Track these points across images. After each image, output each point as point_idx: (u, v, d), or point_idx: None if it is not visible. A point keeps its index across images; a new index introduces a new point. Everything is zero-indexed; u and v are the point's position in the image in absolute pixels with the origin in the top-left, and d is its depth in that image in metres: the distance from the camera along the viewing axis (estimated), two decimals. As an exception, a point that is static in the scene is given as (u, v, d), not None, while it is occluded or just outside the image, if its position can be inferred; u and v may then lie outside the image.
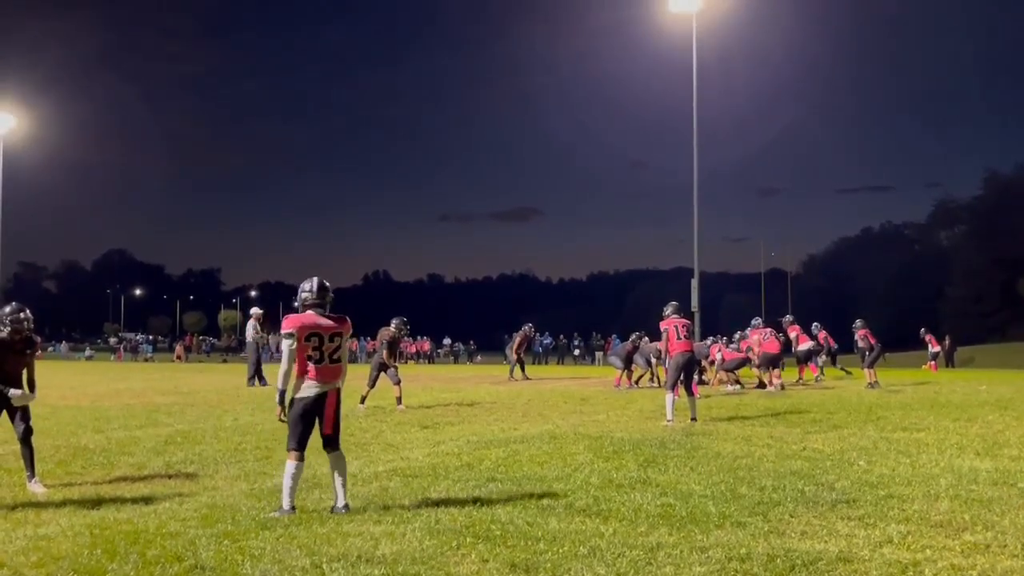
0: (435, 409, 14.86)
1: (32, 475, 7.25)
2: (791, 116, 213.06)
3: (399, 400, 14.67)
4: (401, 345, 16.68)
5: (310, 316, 6.26)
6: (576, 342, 57.99)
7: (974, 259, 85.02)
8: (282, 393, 6.20)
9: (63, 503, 6.61)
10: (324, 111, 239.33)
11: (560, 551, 5.03)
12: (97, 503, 6.59)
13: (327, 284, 6.46)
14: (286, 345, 6.15)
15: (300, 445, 6.18)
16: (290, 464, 6.13)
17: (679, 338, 12.60)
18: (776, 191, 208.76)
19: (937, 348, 35.44)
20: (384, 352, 14.87)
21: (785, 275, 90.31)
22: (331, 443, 6.29)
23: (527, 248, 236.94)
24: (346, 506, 6.21)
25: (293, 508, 6.11)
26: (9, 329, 7.20)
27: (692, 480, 7.45)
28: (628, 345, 21.89)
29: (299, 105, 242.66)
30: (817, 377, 23.42)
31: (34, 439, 7.37)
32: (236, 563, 4.80)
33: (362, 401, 14.55)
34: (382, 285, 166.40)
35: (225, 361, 55.15)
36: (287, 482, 6.13)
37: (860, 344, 21.36)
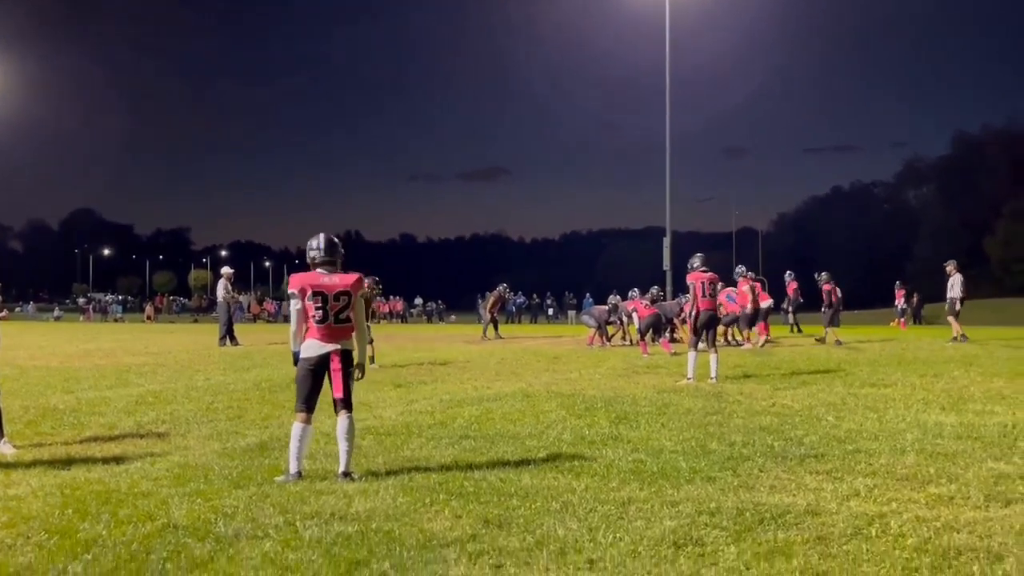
0: (408, 368, 14.88)
1: (1, 436, 7.19)
2: (758, 77, 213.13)
3: (371, 359, 14.67)
4: (374, 305, 16.65)
5: (314, 275, 6.05)
6: (549, 301, 58.13)
7: (942, 218, 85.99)
8: (295, 355, 6.01)
9: (33, 464, 6.57)
10: (293, 70, 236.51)
11: (533, 506, 5.08)
12: (68, 463, 6.56)
13: (336, 240, 6.22)
14: (291, 305, 6.01)
15: (305, 406, 5.94)
16: (295, 426, 5.91)
17: (704, 295, 12.27)
18: (744, 151, 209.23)
19: (904, 304, 35.86)
20: None
21: (756, 234, 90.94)
22: (340, 406, 5.98)
23: (498, 208, 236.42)
24: (347, 474, 5.92)
25: (300, 473, 5.86)
26: None
27: (663, 436, 7.52)
28: (604, 308, 21.83)
29: (267, 64, 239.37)
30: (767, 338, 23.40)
31: (2, 400, 7.30)
32: (209, 522, 4.80)
33: None
34: (354, 245, 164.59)
35: (196, 321, 54.85)
36: (292, 445, 5.90)
37: (824, 298, 21.36)
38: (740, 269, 21.41)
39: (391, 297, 56.61)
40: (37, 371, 14.35)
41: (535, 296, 57.06)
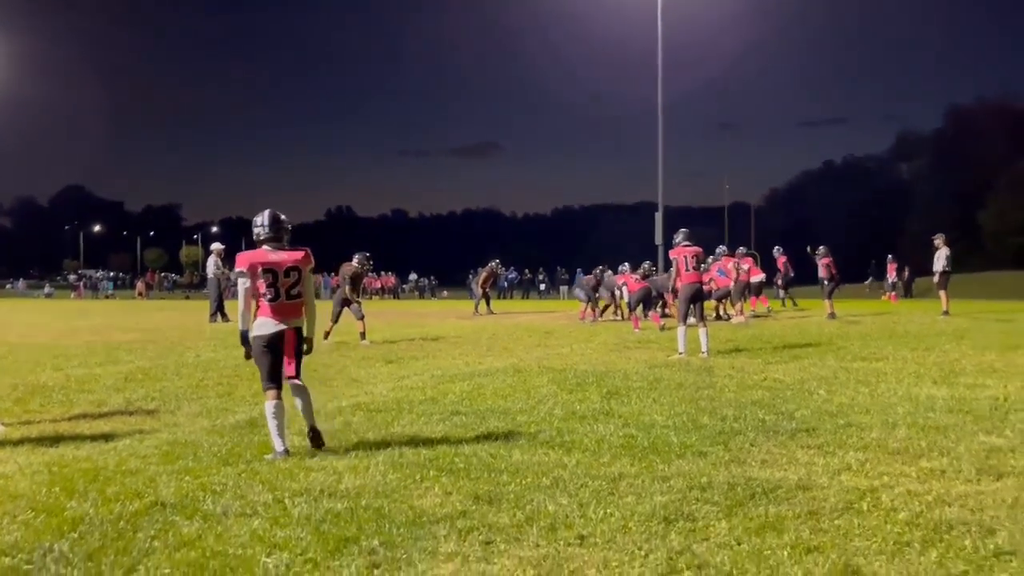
0: (400, 344, 14.85)
1: None
2: (751, 50, 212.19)
3: (363, 335, 14.64)
4: (366, 281, 16.62)
5: (261, 252, 5.99)
6: (541, 276, 58.08)
7: (935, 191, 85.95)
8: (243, 334, 5.94)
9: (21, 441, 6.52)
10: (283, 45, 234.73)
11: (523, 482, 5.05)
12: (55, 441, 6.51)
13: (281, 216, 6.16)
14: (240, 284, 5.93)
15: (271, 381, 5.89)
16: (267, 404, 5.86)
17: (688, 269, 12.26)
18: (736, 125, 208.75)
19: (895, 278, 35.95)
20: (347, 288, 14.78)
21: (748, 208, 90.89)
22: (290, 380, 6.00)
23: (490, 183, 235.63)
24: (313, 429, 6.02)
25: (287, 450, 5.82)
26: None
27: (654, 411, 7.51)
28: (591, 277, 21.92)
29: (257, 38, 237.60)
30: (768, 309, 23.52)
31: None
32: (197, 499, 4.76)
33: (326, 336, 14.48)
34: (345, 220, 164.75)
35: (187, 298, 54.73)
36: (270, 423, 5.86)
37: (821, 273, 21.44)
38: (721, 249, 21.61)
39: (383, 273, 56.52)
40: (26, 348, 14.28)
41: (527, 271, 57.00)
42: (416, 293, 59.98)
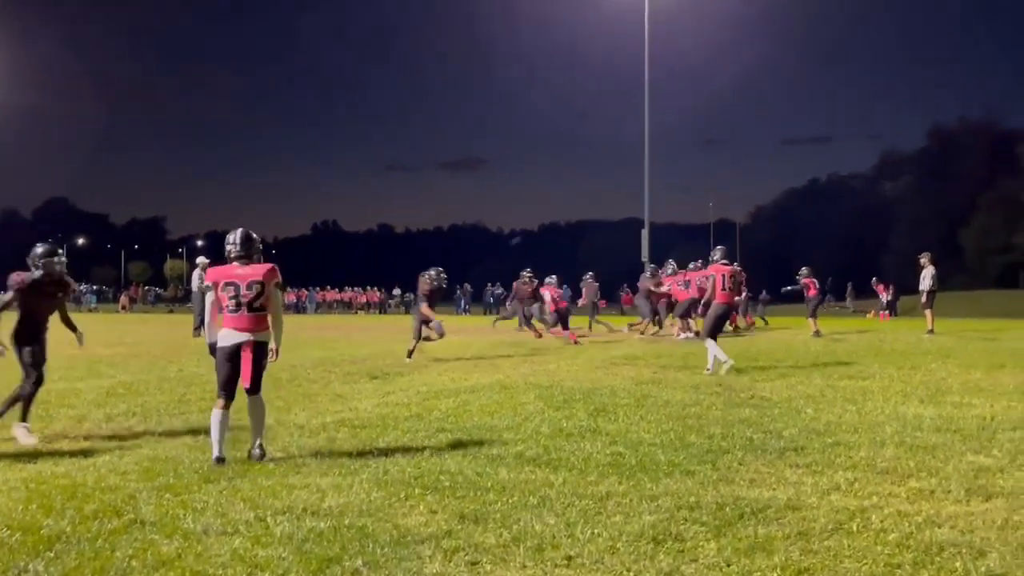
0: (385, 359, 14.75)
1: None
2: (735, 69, 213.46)
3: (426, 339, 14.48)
4: (350, 295, 16.52)
5: (229, 267, 6.27)
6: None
7: (918, 210, 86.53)
8: (210, 346, 6.26)
9: (-2, 457, 6.41)
10: (269, 58, 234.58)
11: (509, 501, 4.99)
12: (34, 457, 6.41)
13: (253, 235, 6.44)
14: (207, 297, 6.27)
15: (223, 391, 6.16)
16: (214, 412, 6.12)
17: (724, 288, 12.32)
18: (721, 142, 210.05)
19: (888, 297, 36.17)
20: (423, 305, 14.52)
21: (734, 225, 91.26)
22: (249, 392, 6.23)
23: (476, 198, 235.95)
24: (260, 447, 6.23)
25: (220, 459, 6.02)
26: (41, 272, 7.36)
27: (642, 429, 7.45)
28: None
29: (244, 52, 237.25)
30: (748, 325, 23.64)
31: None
32: (177, 517, 4.68)
33: (409, 355, 14.18)
34: (331, 235, 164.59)
35: (171, 311, 54.38)
36: (212, 429, 6.12)
37: (809, 292, 21.57)
38: (695, 265, 21.82)
39: (368, 288, 56.46)
40: (5, 362, 14.09)
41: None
42: (402, 308, 59.80)
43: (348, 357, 14.90)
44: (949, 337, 19.83)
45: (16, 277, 7.37)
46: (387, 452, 6.47)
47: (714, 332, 12.22)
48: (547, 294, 20.05)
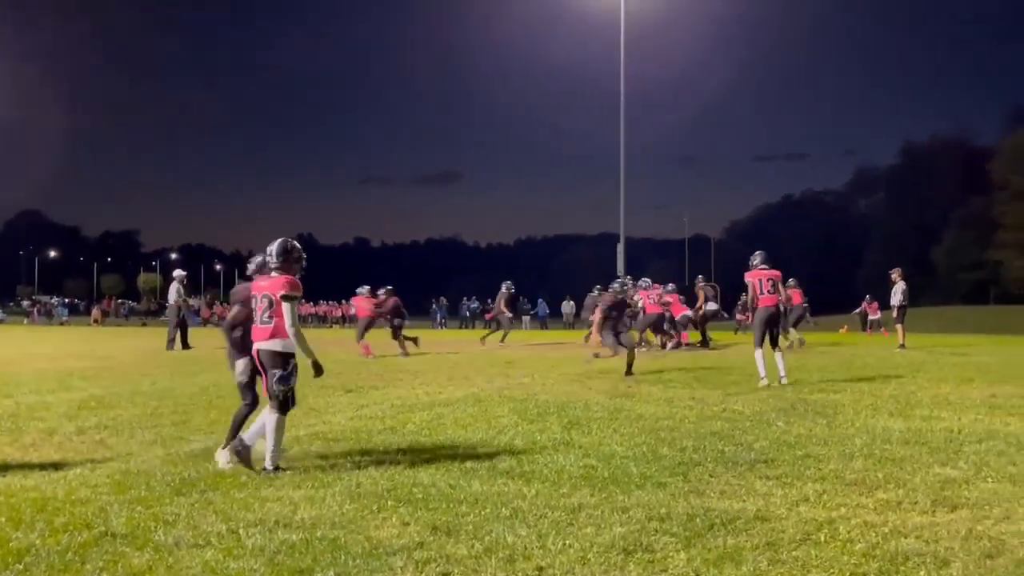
0: (360, 373, 14.73)
1: None
2: (710, 86, 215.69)
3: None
4: (326, 309, 16.55)
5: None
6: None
7: (891, 226, 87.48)
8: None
9: (-33, 470, 6.35)
10: (244, 71, 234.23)
11: (482, 513, 5.01)
12: (3, 470, 6.35)
13: (288, 246, 6.50)
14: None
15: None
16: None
17: (763, 292, 12.23)
18: (696, 158, 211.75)
19: (877, 315, 36.39)
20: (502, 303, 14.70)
21: (709, 240, 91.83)
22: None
23: (452, 212, 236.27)
24: (241, 441, 6.25)
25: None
26: None
27: (614, 441, 7.50)
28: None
29: (219, 64, 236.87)
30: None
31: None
32: (149, 530, 4.66)
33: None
34: (307, 248, 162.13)
35: (144, 325, 53.97)
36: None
37: (795, 300, 21.77)
38: (671, 287, 22.06)
39: (342, 302, 56.23)
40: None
41: (489, 301, 56.91)
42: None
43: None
44: (920, 352, 20.05)
45: None
46: (360, 465, 6.48)
47: (761, 339, 12.16)
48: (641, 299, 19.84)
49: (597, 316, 14.29)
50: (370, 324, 19.99)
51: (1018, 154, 67.99)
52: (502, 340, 24.74)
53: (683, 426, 8.40)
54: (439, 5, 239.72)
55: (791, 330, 21.20)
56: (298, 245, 6.60)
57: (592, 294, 24.44)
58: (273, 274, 6.38)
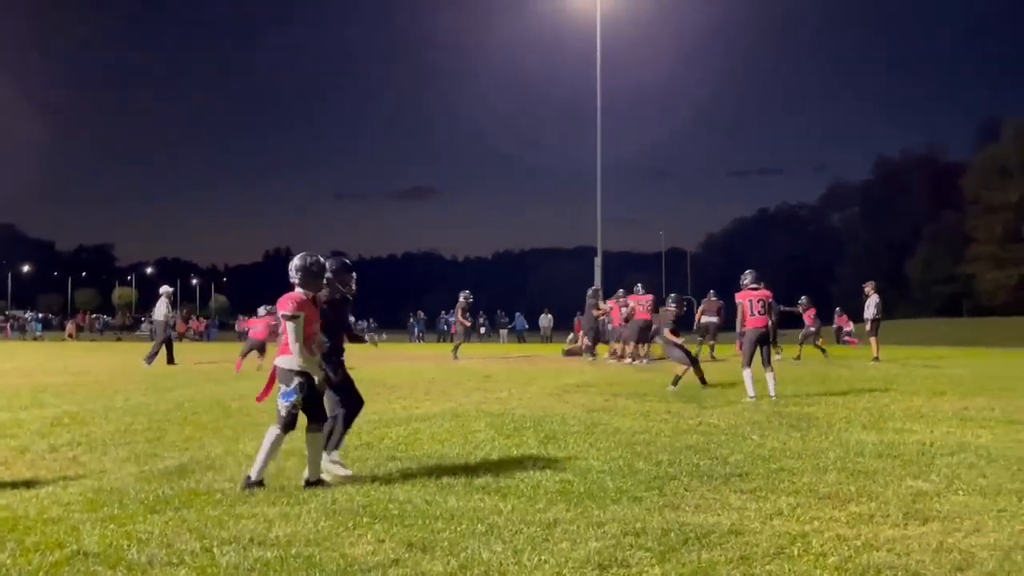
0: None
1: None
2: (686, 101, 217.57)
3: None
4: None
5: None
6: (481, 320, 58.01)
7: (865, 240, 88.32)
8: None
9: (-63, 489, 6.28)
10: (219, 84, 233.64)
11: (458, 529, 5.01)
12: (-26, 488, 6.28)
13: (307, 261, 6.42)
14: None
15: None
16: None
17: (753, 313, 12.31)
18: (672, 173, 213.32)
19: (850, 327, 36.65)
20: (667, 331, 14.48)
21: (685, 254, 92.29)
22: None
23: (429, 226, 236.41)
24: (308, 482, 6.21)
25: (253, 482, 6.08)
26: None
27: (591, 456, 7.52)
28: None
29: (193, 78, 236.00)
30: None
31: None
32: (121, 548, 4.62)
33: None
34: (283, 263, 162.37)
35: (119, 339, 53.51)
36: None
37: (808, 323, 22.03)
38: (619, 292, 22.51)
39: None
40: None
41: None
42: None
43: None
44: (893, 365, 20.22)
45: None
46: (336, 482, 6.45)
47: (749, 358, 12.22)
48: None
49: (668, 334, 14.25)
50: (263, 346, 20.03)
51: (989, 169, 68.95)
52: (455, 352, 24.81)
53: (659, 440, 8.43)
54: (414, 20, 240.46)
55: (800, 348, 21.54)
56: (320, 259, 6.51)
57: (590, 300, 24.13)
58: (303, 292, 6.36)
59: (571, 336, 30.36)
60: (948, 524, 5.12)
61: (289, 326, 6.21)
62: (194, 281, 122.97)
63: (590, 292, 24.07)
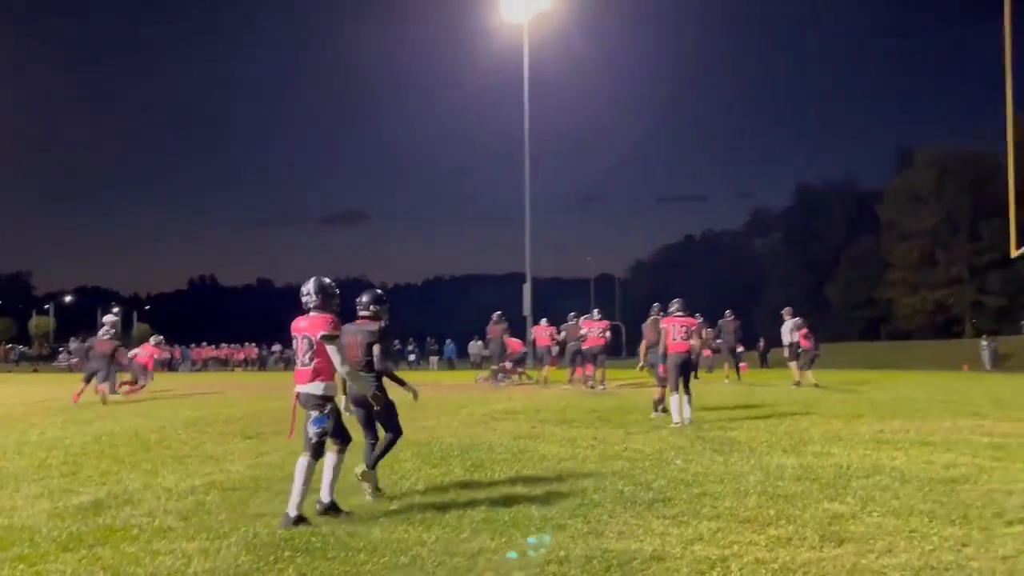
0: (260, 418, 14.44)
1: None
2: (613, 129, 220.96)
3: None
4: (226, 352, 16.20)
5: (298, 319, 6.33)
6: (411, 347, 57.66)
7: (787, 265, 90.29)
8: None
9: None
10: (141, 109, 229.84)
11: (380, 561, 4.98)
12: None
13: (325, 283, 6.42)
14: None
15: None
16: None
17: (675, 338, 12.52)
18: (600, 199, 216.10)
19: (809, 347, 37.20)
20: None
21: (614, 280, 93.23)
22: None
23: (358, 252, 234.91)
24: (326, 508, 6.28)
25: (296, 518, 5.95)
26: None
27: (517, 484, 7.53)
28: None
29: (114, 102, 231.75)
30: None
31: None
32: (31, 589, 4.49)
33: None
34: (208, 290, 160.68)
35: (36, 371, 51.82)
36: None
37: (803, 344, 22.16)
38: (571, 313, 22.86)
39: (245, 344, 55.17)
40: None
41: (397, 342, 56.49)
42: (282, 364, 58.51)
43: (222, 416, 14.52)
44: (813, 389, 20.67)
45: None
46: (258, 515, 6.37)
47: (675, 383, 12.36)
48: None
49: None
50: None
51: (903, 196, 71.19)
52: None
53: (585, 466, 8.49)
54: (344, 45, 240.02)
55: (807, 373, 21.68)
56: (332, 283, 6.52)
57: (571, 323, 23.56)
58: (312, 313, 6.28)
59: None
60: (862, 546, 5.26)
61: (330, 348, 6.16)
62: (115, 309, 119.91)
63: (495, 317, 24.21)
